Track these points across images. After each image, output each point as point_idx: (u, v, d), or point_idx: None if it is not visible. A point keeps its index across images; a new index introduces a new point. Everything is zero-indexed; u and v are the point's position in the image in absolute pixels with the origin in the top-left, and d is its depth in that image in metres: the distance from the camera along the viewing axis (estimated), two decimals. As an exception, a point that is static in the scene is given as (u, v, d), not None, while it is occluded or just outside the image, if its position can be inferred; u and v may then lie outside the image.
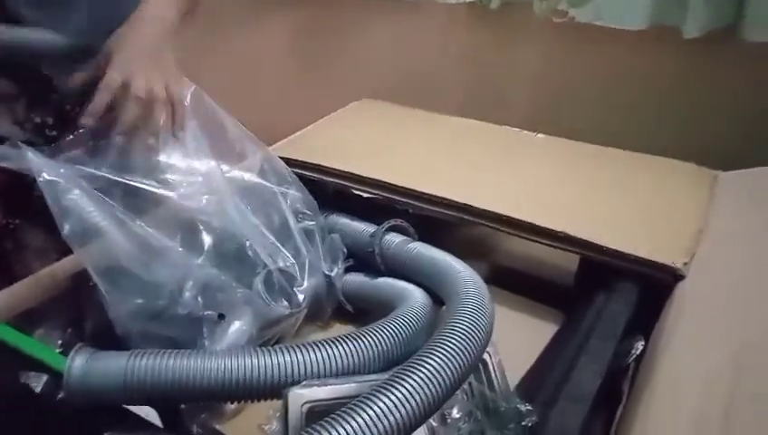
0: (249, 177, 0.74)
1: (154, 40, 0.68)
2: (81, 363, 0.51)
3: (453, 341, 0.50)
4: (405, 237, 0.77)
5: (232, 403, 0.55)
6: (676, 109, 1.09)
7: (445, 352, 0.49)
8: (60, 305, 0.59)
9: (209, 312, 0.61)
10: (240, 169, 0.74)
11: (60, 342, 0.56)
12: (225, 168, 0.70)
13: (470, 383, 0.59)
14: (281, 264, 0.67)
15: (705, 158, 0.89)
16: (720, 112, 1.06)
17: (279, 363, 0.51)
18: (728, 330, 0.58)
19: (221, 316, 0.61)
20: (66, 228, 0.55)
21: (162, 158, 0.65)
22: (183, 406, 0.59)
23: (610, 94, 1.14)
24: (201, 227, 0.64)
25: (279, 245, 0.69)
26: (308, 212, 0.77)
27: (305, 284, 0.68)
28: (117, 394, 0.51)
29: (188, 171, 0.66)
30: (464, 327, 0.52)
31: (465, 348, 0.50)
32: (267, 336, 0.65)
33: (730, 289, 0.64)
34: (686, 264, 0.67)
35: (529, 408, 0.57)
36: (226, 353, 0.52)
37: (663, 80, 1.09)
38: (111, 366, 0.51)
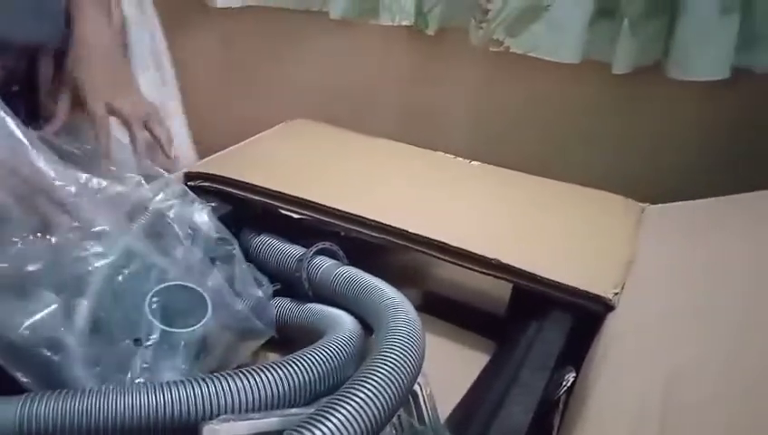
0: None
1: (112, 66, 0.71)
2: None
3: (383, 371, 0.47)
4: (334, 261, 0.74)
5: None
6: (605, 141, 1.12)
7: (374, 384, 0.46)
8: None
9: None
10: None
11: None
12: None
13: (399, 416, 0.56)
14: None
15: (632, 190, 0.91)
16: (646, 147, 1.09)
17: (195, 396, 0.47)
18: (658, 360, 0.57)
19: (137, 341, 0.56)
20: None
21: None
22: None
23: (544, 124, 1.15)
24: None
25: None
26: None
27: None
28: None
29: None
30: (394, 357, 0.49)
31: (396, 379, 0.47)
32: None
33: (659, 320, 0.64)
34: (616, 294, 0.67)
35: (459, 442, 0.54)
36: (135, 389, 0.47)
37: (594, 113, 1.12)
38: (2, 415, 0.45)
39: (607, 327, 0.65)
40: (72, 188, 0.60)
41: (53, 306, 0.55)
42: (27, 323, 0.53)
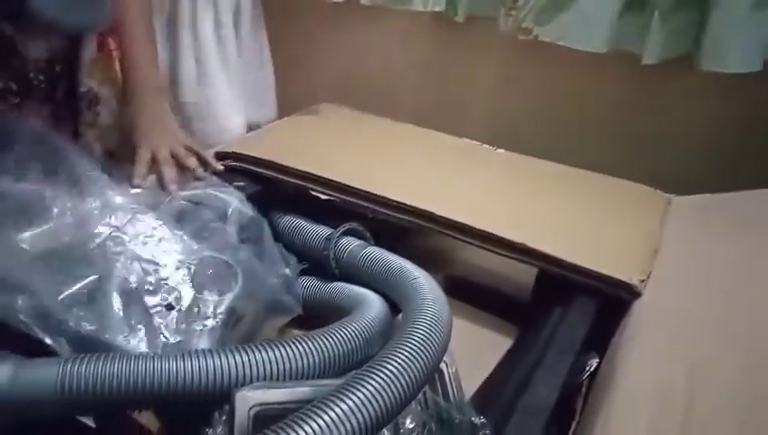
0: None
1: (158, 109, 0.84)
2: (7, 374, 0.45)
3: (412, 346, 0.48)
4: (361, 241, 0.74)
5: (180, 410, 0.51)
6: (633, 132, 1.11)
7: (402, 359, 0.47)
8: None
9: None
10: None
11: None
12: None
13: (424, 393, 0.57)
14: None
15: (659, 181, 0.91)
16: (674, 138, 1.08)
17: (228, 364, 0.48)
18: (683, 347, 0.58)
19: (169, 307, 0.57)
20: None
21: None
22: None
23: (570, 114, 1.15)
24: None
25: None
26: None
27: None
28: (51, 406, 0.46)
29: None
30: (423, 333, 0.50)
31: (425, 354, 0.48)
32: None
33: (684, 308, 0.64)
34: (642, 281, 0.67)
35: (483, 421, 0.55)
36: (172, 356, 0.48)
37: (622, 103, 1.11)
38: (43, 375, 0.46)
39: (633, 314, 0.65)
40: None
41: (92, 277, 0.57)
42: (66, 292, 0.55)
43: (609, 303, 0.68)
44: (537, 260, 0.71)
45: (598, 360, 0.64)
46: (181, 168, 0.80)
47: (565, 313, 0.67)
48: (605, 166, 0.94)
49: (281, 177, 0.84)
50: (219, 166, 0.84)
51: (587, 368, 0.64)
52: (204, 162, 0.83)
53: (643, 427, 0.50)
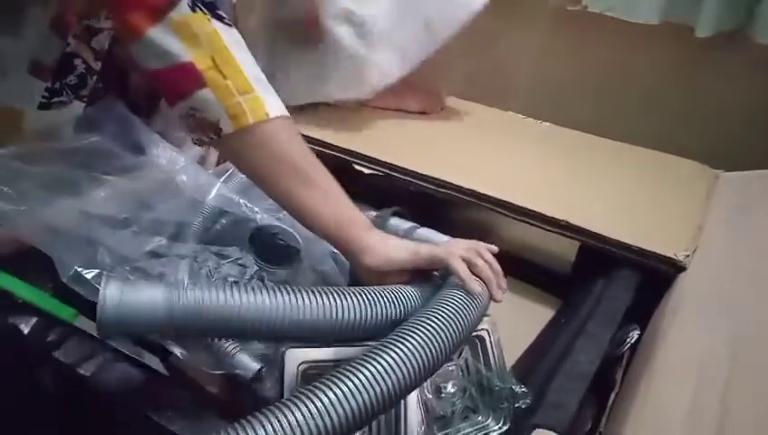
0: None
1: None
2: (116, 294, 0.45)
3: (452, 305, 0.48)
4: (404, 221, 0.74)
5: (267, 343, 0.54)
6: (681, 106, 1.09)
7: (443, 316, 0.47)
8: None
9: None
10: None
11: (50, 285, 0.54)
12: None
13: (466, 360, 0.58)
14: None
15: (707, 156, 0.89)
16: (725, 113, 1.06)
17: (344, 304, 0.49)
18: (726, 322, 0.57)
19: (236, 283, 0.59)
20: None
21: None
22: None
23: (617, 86, 1.13)
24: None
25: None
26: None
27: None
28: (155, 328, 0.46)
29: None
30: (461, 294, 0.50)
31: (464, 311, 0.48)
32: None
33: (728, 284, 0.64)
34: (687, 256, 0.67)
35: (524, 390, 0.55)
36: (272, 291, 0.48)
37: (671, 76, 1.09)
38: (150, 299, 0.46)
39: (677, 288, 0.65)
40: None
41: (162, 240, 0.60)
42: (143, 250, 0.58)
43: (650, 276, 0.68)
44: (581, 235, 0.71)
45: (639, 332, 0.64)
46: None
47: (607, 285, 0.68)
48: (653, 140, 0.93)
49: (325, 151, 0.85)
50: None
51: (627, 340, 0.64)
52: None
53: (685, 398, 0.50)
